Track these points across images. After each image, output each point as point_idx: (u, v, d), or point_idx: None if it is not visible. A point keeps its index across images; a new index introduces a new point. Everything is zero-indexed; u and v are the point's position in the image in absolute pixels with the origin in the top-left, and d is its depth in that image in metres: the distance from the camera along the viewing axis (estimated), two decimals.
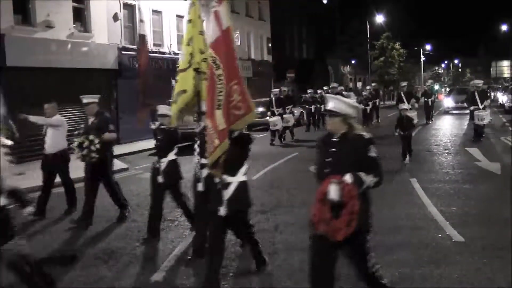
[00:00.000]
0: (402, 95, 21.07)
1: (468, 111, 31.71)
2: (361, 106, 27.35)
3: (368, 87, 31.60)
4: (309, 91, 28.39)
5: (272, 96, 21.82)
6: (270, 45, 43.53)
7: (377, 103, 28.95)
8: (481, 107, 18.35)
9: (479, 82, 19.76)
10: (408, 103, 19.42)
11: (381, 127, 25.57)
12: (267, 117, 20.95)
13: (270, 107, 21.08)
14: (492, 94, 39.41)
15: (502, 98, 38.31)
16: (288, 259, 6.90)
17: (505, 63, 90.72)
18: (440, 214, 8.88)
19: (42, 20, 19.30)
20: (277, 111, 20.79)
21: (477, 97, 18.52)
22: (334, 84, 23.41)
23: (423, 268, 6.39)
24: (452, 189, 11.01)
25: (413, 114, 17.59)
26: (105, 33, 22.88)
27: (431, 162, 14.92)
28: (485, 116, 18.25)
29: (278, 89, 22.37)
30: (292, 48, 56.17)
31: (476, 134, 18.65)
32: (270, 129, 20.78)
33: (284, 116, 21.01)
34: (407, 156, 14.60)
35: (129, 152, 20.11)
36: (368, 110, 27.08)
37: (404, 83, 22.37)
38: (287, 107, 21.42)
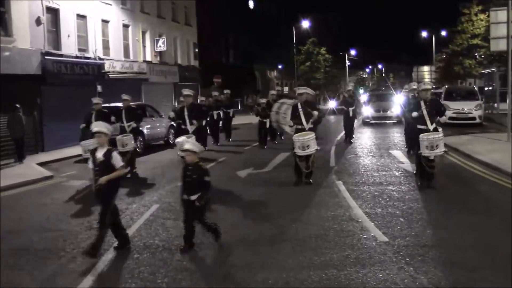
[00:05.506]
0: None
1: (391, 121, 28.18)
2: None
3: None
4: (214, 93, 24.92)
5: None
6: (196, 50, 43.38)
7: (231, 114, 23.90)
8: (431, 127, 11.18)
9: (428, 85, 11.96)
10: (308, 122, 12.15)
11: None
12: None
13: (120, 122, 15.42)
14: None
15: None
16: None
17: (426, 68, 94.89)
18: (365, 216, 9.14)
19: None
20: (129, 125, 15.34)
21: (425, 110, 11.23)
22: (215, 93, 22.34)
23: (349, 269, 6.55)
24: (377, 191, 11.32)
25: (307, 138, 11.83)
26: (27, 38, 22.08)
27: (356, 164, 15.28)
28: (439, 142, 10.94)
29: (128, 97, 15.70)
30: (220, 54, 56.29)
31: (424, 174, 11.38)
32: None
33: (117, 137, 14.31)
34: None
35: (54, 159, 19.64)
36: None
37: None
38: (128, 123, 15.31)
